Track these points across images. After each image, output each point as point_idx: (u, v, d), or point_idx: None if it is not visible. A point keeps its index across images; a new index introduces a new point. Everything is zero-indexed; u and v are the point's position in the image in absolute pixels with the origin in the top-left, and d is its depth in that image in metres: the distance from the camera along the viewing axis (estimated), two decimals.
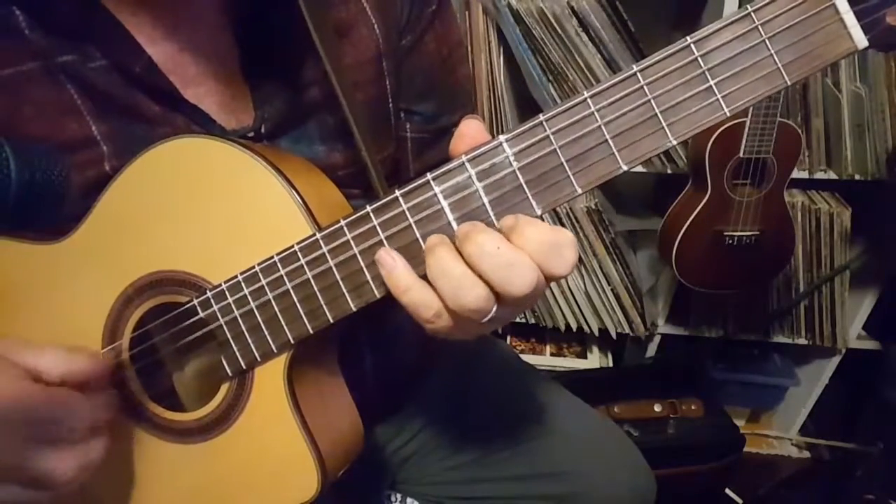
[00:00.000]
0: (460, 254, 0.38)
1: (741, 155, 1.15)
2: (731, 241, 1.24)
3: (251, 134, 0.53)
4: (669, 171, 1.34)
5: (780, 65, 0.35)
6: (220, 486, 0.51)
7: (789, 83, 0.35)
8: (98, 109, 0.49)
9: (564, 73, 1.26)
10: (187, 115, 0.51)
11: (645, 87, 0.36)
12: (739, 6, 1.15)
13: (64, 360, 0.45)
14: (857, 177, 1.29)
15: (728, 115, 0.36)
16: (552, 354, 1.67)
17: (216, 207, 0.46)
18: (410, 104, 0.63)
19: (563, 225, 1.40)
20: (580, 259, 1.43)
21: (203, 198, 0.46)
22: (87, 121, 0.49)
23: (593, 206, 1.37)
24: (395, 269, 0.40)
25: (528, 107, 1.37)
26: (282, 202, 0.44)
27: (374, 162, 0.53)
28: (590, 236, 1.40)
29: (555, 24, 1.23)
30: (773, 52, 0.35)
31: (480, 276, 0.37)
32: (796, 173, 1.23)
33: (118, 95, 0.49)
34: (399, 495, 0.79)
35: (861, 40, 0.34)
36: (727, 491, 1.52)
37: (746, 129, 1.13)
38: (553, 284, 1.47)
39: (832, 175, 1.31)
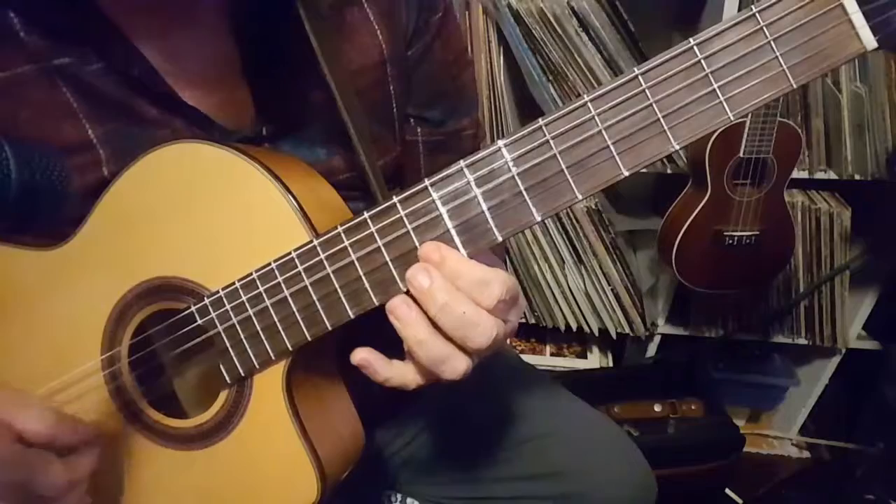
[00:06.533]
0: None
1: (741, 155, 1.15)
2: (731, 241, 1.24)
3: (252, 135, 0.53)
4: (669, 171, 1.34)
5: (785, 67, 0.34)
6: (219, 492, 0.51)
7: (795, 86, 0.34)
8: (94, 112, 0.49)
9: (564, 73, 1.26)
10: (186, 117, 0.50)
11: (647, 91, 0.36)
12: (740, 5, 1.14)
13: (50, 425, 0.43)
14: (857, 177, 1.29)
15: (732, 119, 0.35)
16: (552, 354, 1.66)
17: (213, 213, 0.46)
18: (421, 111, 0.63)
19: (563, 225, 1.40)
20: (580, 259, 1.43)
21: (200, 204, 0.46)
22: (84, 124, 0.48)
23: (593, 206, 1.37)
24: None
25: (528, 107, 1.37)
26: (279, 208, 0.44)
27: (373, 166, 0.53)
28: (590, 236, 1.40)
29: (555, 24, 1.22)
30: (778, 54, 0.34)
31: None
32: (796, 173, 1.23)
33: (115, 98, 0.48)
34: (399, 495, 0.79)
35: (870, 41, 0.33)
36: (727, 491, 1.52)
37: (746, 129, 1.12)
38: (553, 284, 1.47)
39: (832, 175, 1.30)
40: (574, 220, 1.39)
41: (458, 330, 0.40)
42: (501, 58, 1.32)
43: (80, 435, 0.45)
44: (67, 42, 0.47)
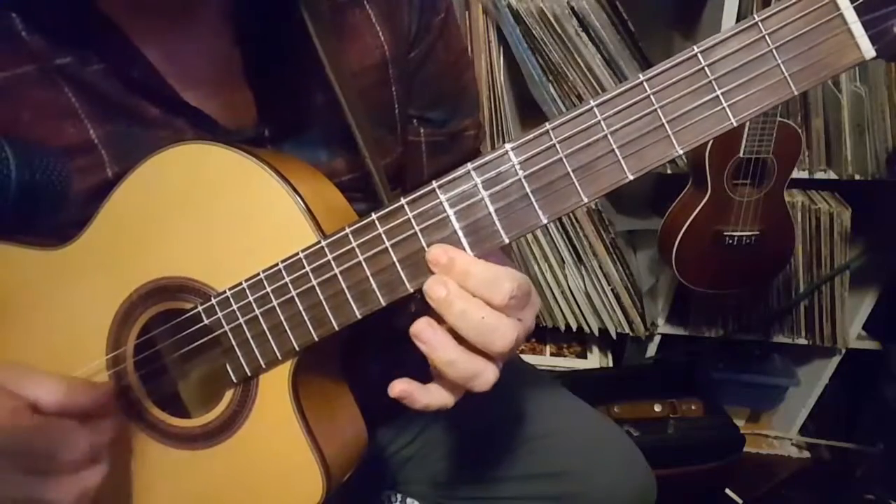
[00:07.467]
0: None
1: (741, 155, 1.15)
2: (731, 241, 1.24)
3: (253, 136, 0.53)
4: (669, 171, 1.34)
5: (786, 74, 0.35)
6: (224, 492, 0.51)
7: (796, 93, 0.35)
8: (96, 112, 0.49)
9: (564, 73, 1.26)
10: (188, 118, 0.51)
11: (651, 97, 0.36)
12: (740, 5, 1.15)
13: (63, 390, 0.44)
14: (857, 177, 1.29)
15: (735, 124, 0.36)
16: (552, 354, 1.66)
17: (220, 214, 0.46)
18: (424, 111, 0.64)
19: (563, 225, 1.41)
20: (580, 259, 1.43)
21: (207, 204, 0.46)
22: (85, 124, 0.49)
23: (593, 206, 1.37)
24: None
25: (528, 107, 1.37)
26: (286, 209, 0.44)
27: (377, 168, 0.53)
28: (590, 236, 1.41)
29: (555, 24, 1.23)
30: (780, 61, 0.35)
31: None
32: (796, 173, 1.23)
33: (117, 98, 0.49)
34: (399, 495, 0.79)
35: (868, 50, 0.33)
36: (727, 491, 1.53)
37: (746, 129, 1.13)
38: (553, 284, 1.47)
39: (832, 175, 1.31)
40: (574, 221, 1.40)
41: (480, 336, 0.40)
42: (501, 58, 1.32)
43: (95, 395, 0.46)
44: (69, 42, 0.47)
